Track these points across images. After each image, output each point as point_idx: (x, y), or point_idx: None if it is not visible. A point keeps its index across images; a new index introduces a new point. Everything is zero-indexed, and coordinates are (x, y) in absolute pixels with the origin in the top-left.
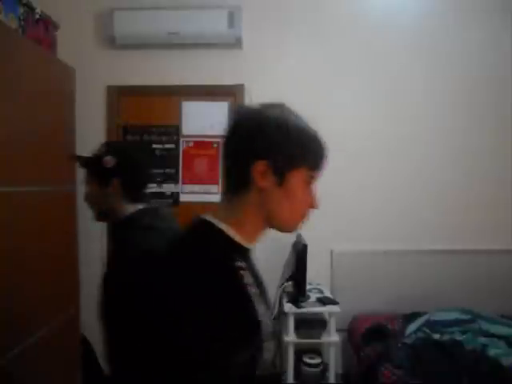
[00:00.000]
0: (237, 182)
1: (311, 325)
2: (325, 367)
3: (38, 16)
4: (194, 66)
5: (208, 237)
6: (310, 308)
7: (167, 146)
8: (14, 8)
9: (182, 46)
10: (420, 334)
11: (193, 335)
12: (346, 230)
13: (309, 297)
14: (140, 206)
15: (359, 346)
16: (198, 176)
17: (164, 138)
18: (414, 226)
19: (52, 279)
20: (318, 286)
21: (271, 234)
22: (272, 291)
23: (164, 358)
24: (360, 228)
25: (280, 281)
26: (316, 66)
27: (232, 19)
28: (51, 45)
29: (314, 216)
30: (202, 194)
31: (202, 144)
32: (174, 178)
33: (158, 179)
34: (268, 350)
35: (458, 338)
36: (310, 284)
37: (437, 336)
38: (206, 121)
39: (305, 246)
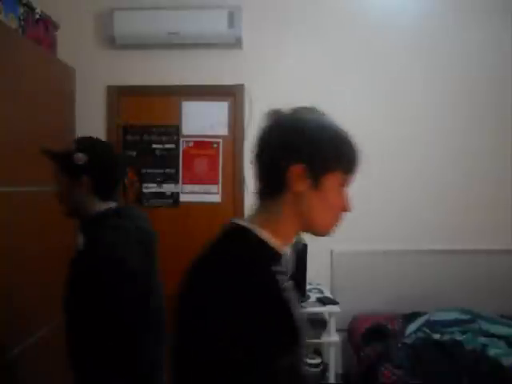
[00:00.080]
0: (271, 186)
1: (311, 325)
2: (325, 367)
3: (38, 16)
4: (194, 66)
5: (245, 243)
6: (310, 308)
7: (167, 145)
8: (14, 8)
9: (182, 45)
10: (420, 334)
11: (238, 340)
12: (345, 230)
13: (309, 297)
14: (111, 205)
15: (359, 346)
16: (198, 176)
17: (164, 138)
18: (414, 226)
19: (52, 279)
20: (318, 286)
21: None
22: None
23: (210, 363)
24: (360, 228)
25: None
26: (316, 67)
27: (232, 19)
28: (51, 45)
29: None
30: (202, 193)
31: (201, 144)
32: (173, 178)
33: (158, 179)
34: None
35: (458, 338)
36: (310, 284)
37: (437, 336)
38: (205, 121)
39: (305, 246)
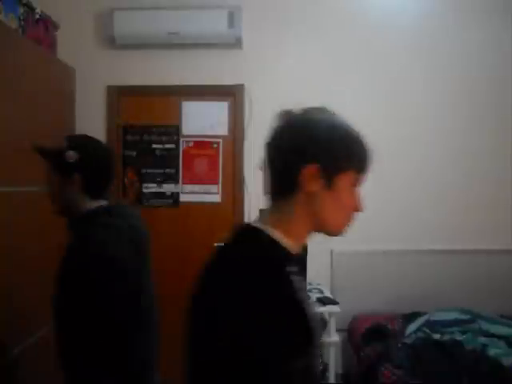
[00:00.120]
0: (283, 187)
1: None
2: (325, 367)
3: (38, 16)
4: (194, 66)
5: (257, 243)
6: None
7: (167, 145)
8: (14, 8)
9: (182, 45)
10: (420, 334)
11: (252, 342)
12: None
13: (309, 297)
14: (102, 203)
15: (359, 346)
16: (198, 176)
17: (164, 138)
18: (414, 226)
19: (52, 279)
20: (318, 286)
21: None
22: None
23: (225, 365)
24: (360, 228)
25: None
26: (316, 67)
27: (232, 19)
28: (51, 45)
29: None
30: (202, 194)
31: (202, 144)
32: (174, 178)
33: (158, 179)
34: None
35: (458, 338)
36: (310, 284)
37: (437, 336)
38: (205, 121)
39: (305, 246)
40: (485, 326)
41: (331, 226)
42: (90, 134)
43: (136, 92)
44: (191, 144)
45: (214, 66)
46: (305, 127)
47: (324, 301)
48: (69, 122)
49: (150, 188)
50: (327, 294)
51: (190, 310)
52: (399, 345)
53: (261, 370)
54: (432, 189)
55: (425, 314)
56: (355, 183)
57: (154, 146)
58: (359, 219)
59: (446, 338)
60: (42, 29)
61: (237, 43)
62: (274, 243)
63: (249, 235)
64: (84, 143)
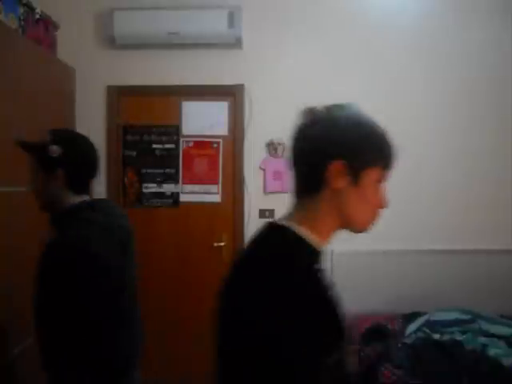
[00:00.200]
0: (310, 184)
1: None
2: None
3: (38, 16)
4: (193, 66)
5: (285, 241)
6: None
7: (167, 146)
8: (14, 8)
9: (182, 45)
10: (420, 334)
11: (282, 340)
12: (345, 230)
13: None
14: (85, 198)
15: (359, 345)
16: (198, 176)
17: (164, 138)
18: (414, 225)
19: None
20: None
21: None
22: None
23: (257, 363)
24: None
25: None
26: (316, 67)
27: (232, 19)
28: (51, 45)
29: None
30: (202, 193)
31: (202, 144)
32: (173, 178)
33: (158, 179)
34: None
35: (458, 338)
36: None
37: (437, 336)
38: (205, 121)
39: None
40: (485, 325)
41: (357, 223)
42: (90, 134)
43: (136, 92)
44: (191, 144)
45: (214, 66)
46: (330, 124)
47: None
48: (69, 122)
49: (150, 188)
50: None
51: (219, 308)
52: (399, 345)
53: (292, 368)
54: (432, 189)
55: (425, 314)
56: (380, 179)
57: (154, 146)
58: None
59: (446, 337)
60: (42, 29)
61: (237, 43)
62: (301, 240)
63: (275, 233)
64: (68, 138)
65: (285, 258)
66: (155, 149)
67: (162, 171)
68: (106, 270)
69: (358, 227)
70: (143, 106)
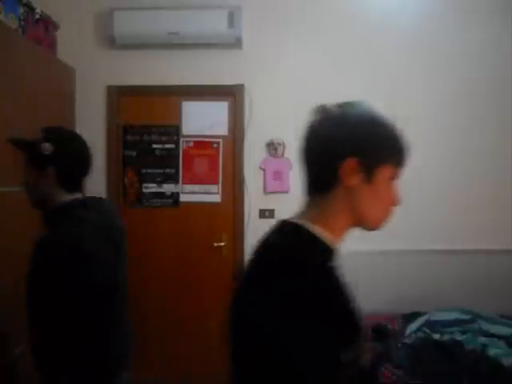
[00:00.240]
0: (322, 182)
1: None
2: None
3: (38, 16)
4: (194, 66)
5: (301, 240)
6: None
7: (167, 146)
8: (14, 8)
9: (182, 45)
10: (420, 334)
11: (299, 337)
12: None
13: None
14: (77, 196)
15: None
16: (198, 176)
17: (164, 138)
18: (414, 225)
19: None
20: None
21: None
22: None
23: (275, 359)
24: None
25: None
26: (316, 67)
27: (232, 19)
28: (51, 45)
29: None
30: (202, 194)
31: (201, 144)
32: (174, 178)
33: (158, 179)
34: None
35: (458, 338)
36: None
37: (437, 336)
38: (205, 121)
39: None
40: (485, 326)
41: (370, 221)
42: (90, 134)
43: (136, 92)
44: (191, 144)
45: (214, 66)
46: (343, 121)
47: None
48: (69, 122)
49: (150, 188)
50: None
51: (232, 309)
52: (399, 345)
53: (308, 367)
54: (432, 188)
55: (425, 314)
56: (393, 176)
57: (154, 146)
58: None
59: (446, 338)
60: (42, 29)
61: (237, 43)
62: (315, 238)
63: (289, 231)
64: (60, 136)
65: (299, 256)
66: (155, 149)
67: (161, 171)
68: (99, 269)
69: (370, 225)
70: (143, 106)
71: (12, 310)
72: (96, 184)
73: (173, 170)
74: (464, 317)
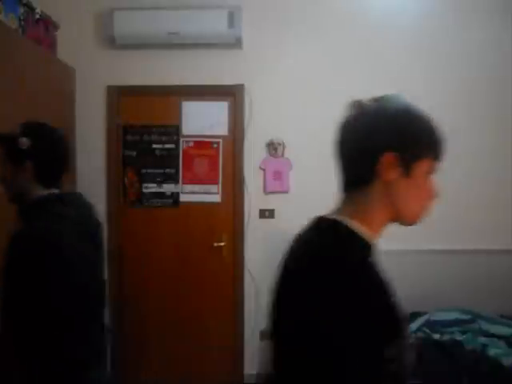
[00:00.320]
0: (359, 177)
1: None
2: None
3: (38, 16)
4: (193, 66)
5: (339, 236)
6: None
7: (167, 146)
8: (14, 8)
9: (182, 45)
10: (420, 334)
11: (344, 332)
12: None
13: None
14: (53, 191)
15: None
16: (198, 176)
17: (164, 138)
18: (414, 226)
19: None
20: None
21: (269, 233)
22: None
23: (317, 356)
24: None
25: None
26: (316, 67)
27: (232, 19)
28: (51, 45)
29: (313, 216)
30: (202, 194)
31: (201, 144)
32: (173, 178)
33: (158, 179)
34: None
35: (458, 338)
36: None
37: (437, 336)
38: (205, 121)
39: None
40: (485, 326)
41: (408, 215)
42: (90, 134)
43: (136, 92)
44: (191, 144)
45: (214, 66)
46: (380, 116)
47: None
48: (69, 122)
49: (150, 188)
50: None
51: (274, 304)
52: None
53: (351, 363)
54: None
55: (425, 313)
56: (430, 170)
57: (154, 145)
58: None
59: (446, 338)
60: (42, 29)
61: (237, 43)
62: (353, 234)
63: (326, 227)
64: (38, 130)
65: (338, 253)
66: (155, 149)
67: (161, 171)
68: (78, 264)
69: (408, 220)
70: (143, 106)
71: None
72: (96, 184)
73: (173, 170)
74: (464, 317)
